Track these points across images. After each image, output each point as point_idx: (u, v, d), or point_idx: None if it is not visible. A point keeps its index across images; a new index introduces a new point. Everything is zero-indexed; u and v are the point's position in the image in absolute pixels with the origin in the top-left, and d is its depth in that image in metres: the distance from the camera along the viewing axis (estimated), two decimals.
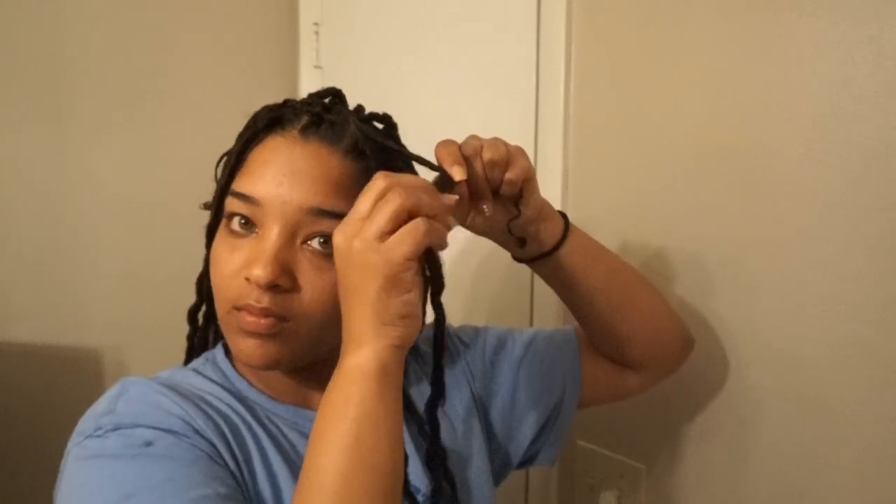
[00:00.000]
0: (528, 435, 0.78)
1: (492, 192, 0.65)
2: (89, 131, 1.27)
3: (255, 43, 1.43)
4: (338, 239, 0.52)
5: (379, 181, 0.52)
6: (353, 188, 0.59)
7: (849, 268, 0.74)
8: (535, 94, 1.05)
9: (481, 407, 0.77)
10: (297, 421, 0.65)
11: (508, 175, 0.63)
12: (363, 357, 0.51)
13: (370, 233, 0.50)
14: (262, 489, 0.59)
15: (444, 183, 0.59)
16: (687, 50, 0.87)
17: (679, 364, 0.82)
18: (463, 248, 1.13)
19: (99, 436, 0.55)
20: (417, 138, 0.70)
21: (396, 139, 0.68)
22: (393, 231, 0.51)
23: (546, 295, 1.05)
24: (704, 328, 0.86)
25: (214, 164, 0.67)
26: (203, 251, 0.66)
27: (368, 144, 0.61)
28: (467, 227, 0.68)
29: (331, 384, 0.53)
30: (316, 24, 1.40)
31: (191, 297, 0.71)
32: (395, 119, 0.69)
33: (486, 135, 0.65)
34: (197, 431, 0.57)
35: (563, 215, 0.72)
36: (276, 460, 0.61)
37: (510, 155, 0.64)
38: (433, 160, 0.61)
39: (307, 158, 0.59)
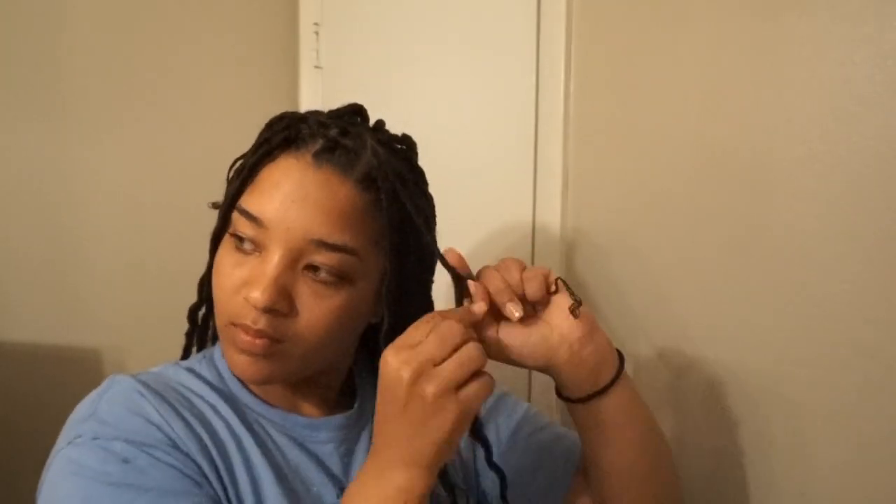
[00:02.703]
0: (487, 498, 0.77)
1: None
2: (89, 130, 1.27)
3: (255, 43, 1.43)
4: (405, 374, 0.53)
5: (452, 328, 0.55)
6: (359, 220, 0.60)
7: (849, 268, 0.74)
8: (535, 94, 1.05)
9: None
10: (287, 426, 0.65)
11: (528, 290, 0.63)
12: (418, 481, 0.54)
13: (451, 383, 0.53)
14: (244, 496, 0.59)
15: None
16: (687, 50, 0.87)
17: None
18: (466, 256, 1.12)
19: (78, 444, 0.56)
20: (418, 139, 0.70)
21: (414, 162, 0.68)
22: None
23: None
24: (703, 328, 0.86)
25: (215, 163, 0.67)
26: (204, 251, 0.66)
27: (380, 174, 0.61)
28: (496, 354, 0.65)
29: (372, 487, 0.55)
30: (316, 24, 1.40)
31: (192, 297, 0.71)
32: (395, 120, 0.69)
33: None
34: (175, 445, 0.57)
35: (620, 357, 0.68)
36: (261, 464, 0.61)
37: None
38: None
39: (317, 186, 0.59)
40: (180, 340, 0.73)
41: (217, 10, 1.38)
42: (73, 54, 1.25)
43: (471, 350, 0.55)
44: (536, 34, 1.04)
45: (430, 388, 0.52)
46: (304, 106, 1.39)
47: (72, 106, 1.26)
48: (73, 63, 1.25)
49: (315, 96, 1.39)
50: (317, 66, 1.41)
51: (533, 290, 0.62)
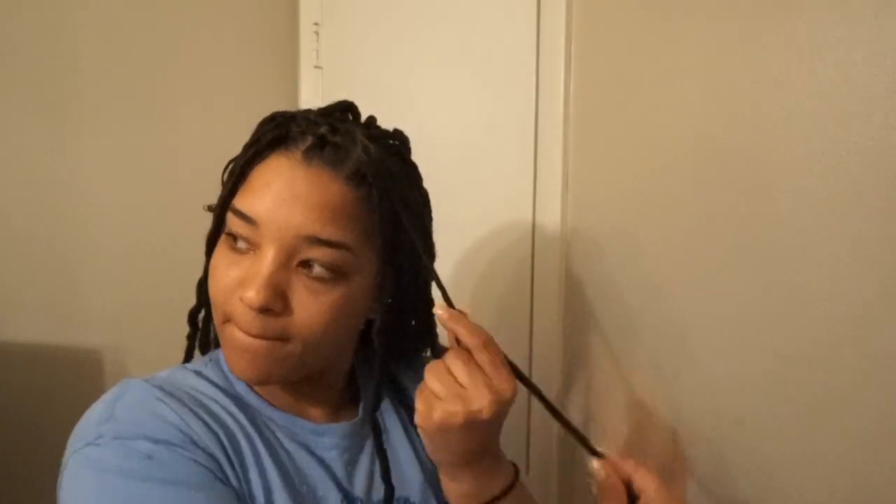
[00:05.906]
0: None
1: None
2: (90, 130, 1.27)
3: (255, 43, 1.43)
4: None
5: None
6: (351, 215, 0.60)
7: (849, 268, 0.74)
8: (535, 94, 1.05)
9: None
10: (293, 429, 0.65)
11: None
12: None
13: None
14: (256, 495, 0.59)
15: None
16: (687, 50, 0.87)
17: None
18: (466, 255, 1.13)
19: (99, 444, 0.55)
20: (417, 138, 0.70)
21: (407, 157, 0.68)
22: None
23: (546, 296, 1.06)
24: (703, 327, 0.86)
25: (215, 163, 0.67)
26: (202, 253, 0.66)
27: (370, 170, 0.60)
28: None
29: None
30: (316, 24, 1.40)
31: (191, 298, 0.71)
32: (395, 119, 0.69)
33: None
34: (195, 443, 0.57)
35: (515, 469, 0.70)
36: (271, 467, 0.61)
37: None
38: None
39: (308, 183, 0.59)
40: (180, 340, 0.73)
41: (217, 10, 1.38)
42: (74, 54, 1.25)
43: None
44: (536, 34, 1.04)
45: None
46: (304, 106, 1.39)
47: (72, 106, 1.26)
48: (74, 63, 1.25)
49: (315, 96, 1.39)
50: (317, 66, 1.41)
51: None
